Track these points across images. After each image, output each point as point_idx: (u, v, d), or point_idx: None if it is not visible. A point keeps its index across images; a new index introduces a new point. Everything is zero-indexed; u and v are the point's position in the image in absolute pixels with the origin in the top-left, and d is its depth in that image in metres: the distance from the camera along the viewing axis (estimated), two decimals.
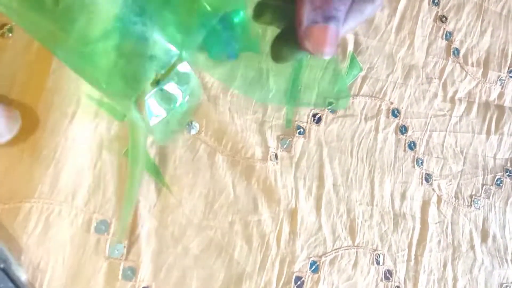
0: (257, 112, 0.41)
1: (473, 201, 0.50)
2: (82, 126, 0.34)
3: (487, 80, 0.53)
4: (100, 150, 0.34)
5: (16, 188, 0.32)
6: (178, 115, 0.33)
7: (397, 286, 0.44)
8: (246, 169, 0.39)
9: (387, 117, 0.46)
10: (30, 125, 0.33)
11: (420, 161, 0.48)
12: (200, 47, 0.27)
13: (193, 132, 0.38)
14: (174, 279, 0.36)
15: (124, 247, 0.35)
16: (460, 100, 0.51)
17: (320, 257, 0.41)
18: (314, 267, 0.41)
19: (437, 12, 0.50)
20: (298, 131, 0.42)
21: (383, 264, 0.44)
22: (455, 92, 0.51)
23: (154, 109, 0.27)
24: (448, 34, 0.51)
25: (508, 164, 0.54)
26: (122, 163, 0.35)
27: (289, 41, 0.23)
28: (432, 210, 0.47)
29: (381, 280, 0.43)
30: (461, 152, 0.50)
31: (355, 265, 0.42)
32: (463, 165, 0.50)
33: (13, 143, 0.33)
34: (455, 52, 0.51)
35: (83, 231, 0.34)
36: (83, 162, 0.34)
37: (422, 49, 0.49)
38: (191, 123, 0.38)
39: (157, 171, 0.36)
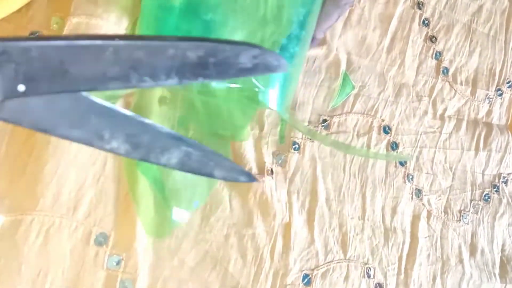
0: (254, 128, 0.42)
1: (462, 216, 0.52)
2: None
3: (475, 98, 0.55)
4: (103, 165, 0.35)
5: (18, 200, 0.33)
6: None
7: None
8: (243, 184, 0.40)
9: (379, 133, 0.48)
10: (34, 140, 0.34)
11: (411, 177, 0.49)
12: None
13: None
14: None
15: (122, 259, 0.36)
16: (449, 117, 0.53)
17: (313, 270, 0.42)
18: (306, 280, 0.42)
19: (427, 32, 0.52)
20: (294, 147, 0.44)
21: (374, 277, 0.45)
22: (445, 110, 0.52)
23: None
24: (438, 54, 0.53)
25: (496, 180, 0.55)
26: (124, 178, 0.36)
27: None
28: (422, 224, 0.49)
29: None
30: (450, 168, 0.52)
31: (346, 278, 0.43)
32: (452, 180, 0.52)
33: (16, 157, 0.34)
34: (445, 71, 0.53)
35: (83, 243, 0.35)
36: (86, 177, 0.35)
37: (412, 68, 0.51)
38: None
39: (161, 185, 0.37)
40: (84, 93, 0.20)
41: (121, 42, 0.18)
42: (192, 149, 0.25)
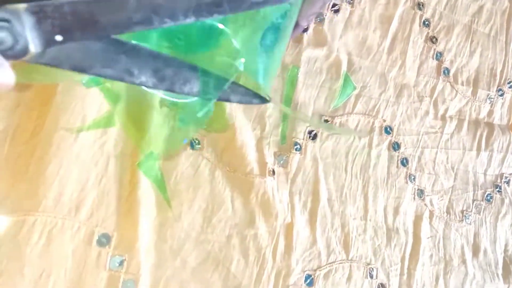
0: (255, 129, 0.42)
1: (464, 216, 0.52)
2: (88, 143, 0.35)
3: (476, 99, 0.55)
4: (106, 166, 0.36)
5: (21, 201, 0.33)
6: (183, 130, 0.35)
7: None
8: (245, 184, 0.40)
9: (380, 134, 0.48)
10: (36, 141, 0.34)
11: (413, 177, 0.49)
12: None
13: (195, 148, 0.40)
14: None
15: (124, 260, 0.36)
16: (451, 117, 0.53)
17: (315, 270, 0.42)
18: (309, 280, 0.42)
19: (428, 33, 0.52)
20: (295, 147, 0.44)
21: (377, 278, 0.45)
22: (446, 110, 0.53)
23: None
24: (439, 54, 0.53)
25: (498, 180, 0.55)
26: (126, 179, 0.36)
27: None
28: (425, 225, 0.48)
29: None
30: (452, 168, 0.52)
31: (349, 278, 0.43)
32: (454, 181, 0.52)
33: (19, 158, 0.34)
34: (445, 71, 0.53)
35: (85, 244, 0.35)
36: (88, 178, 0.35)
37: (413, 68, 0.51)
38: (194, 140, 0.39)
39: (162, 185, 0.37)
40: (114, 36, 0.23)
41: None
42: (210, 79, 0.28)
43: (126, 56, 0.24)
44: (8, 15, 0.20)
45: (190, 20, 0.22)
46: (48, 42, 0.21)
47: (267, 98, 0.33)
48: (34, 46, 0.21)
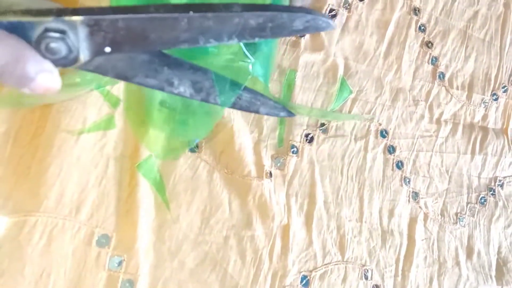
0: (253, 132, 0.43)
1: (459, 218, 0.52)
2: (89, 146, 0.35)
3: (471, 103, 0.55)
4: (106, 167, 0.36)
5: (22, 202, 0.34)
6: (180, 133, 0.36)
7: None
8: (242, 186, 0.41)
9: (376, 137, 0.49)
10: (37, 142, 0.35)
11: (408, 180, 0.50)
12: None
13: (193, 150, 0.40)
14: None
15: (123, 260, 0.36)
16: (445, 121, 0.54)
17: (311, 271, 0.43)
18: (304, 281, 0.42)
19: (424, 38, 0.53)
20: (292, 150, 0.44)
21: (371, 279, 0.45)
22: (441, 114, 0.53)
23: None
24: (434, 59, 0.54)
25: (492, 183, 0.56)
26: (126, 181, 0.37)
27: None
28: (419, 227, 0.49)
29: None
30: (447, 171, 0.53)
31: (344, 280, 0.44)
32: (449, 184, 0.52)
33: (20, 159, 0.35)
34: (441, 76, 0.54)
35: (85, 244, 0.35)
36: (88, 179, 0.36)
37: (409, 73, 0.52)
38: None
39: (161, 186, 0.38)
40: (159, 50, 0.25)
41: (195, 15, 0.22)
42: (243, 91, 0.31)
43: (169, 68, 0.26)
44: (65, 26, 0.21)
45: (233, 41, 0.23)
46: (97, 52, 0.22)
47: (293, 112, 0.36)
48: (83, 55, 0.22)
